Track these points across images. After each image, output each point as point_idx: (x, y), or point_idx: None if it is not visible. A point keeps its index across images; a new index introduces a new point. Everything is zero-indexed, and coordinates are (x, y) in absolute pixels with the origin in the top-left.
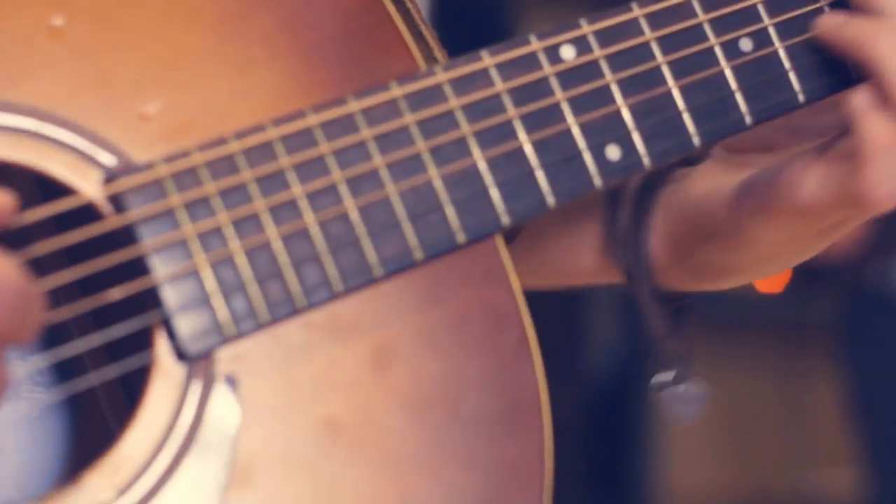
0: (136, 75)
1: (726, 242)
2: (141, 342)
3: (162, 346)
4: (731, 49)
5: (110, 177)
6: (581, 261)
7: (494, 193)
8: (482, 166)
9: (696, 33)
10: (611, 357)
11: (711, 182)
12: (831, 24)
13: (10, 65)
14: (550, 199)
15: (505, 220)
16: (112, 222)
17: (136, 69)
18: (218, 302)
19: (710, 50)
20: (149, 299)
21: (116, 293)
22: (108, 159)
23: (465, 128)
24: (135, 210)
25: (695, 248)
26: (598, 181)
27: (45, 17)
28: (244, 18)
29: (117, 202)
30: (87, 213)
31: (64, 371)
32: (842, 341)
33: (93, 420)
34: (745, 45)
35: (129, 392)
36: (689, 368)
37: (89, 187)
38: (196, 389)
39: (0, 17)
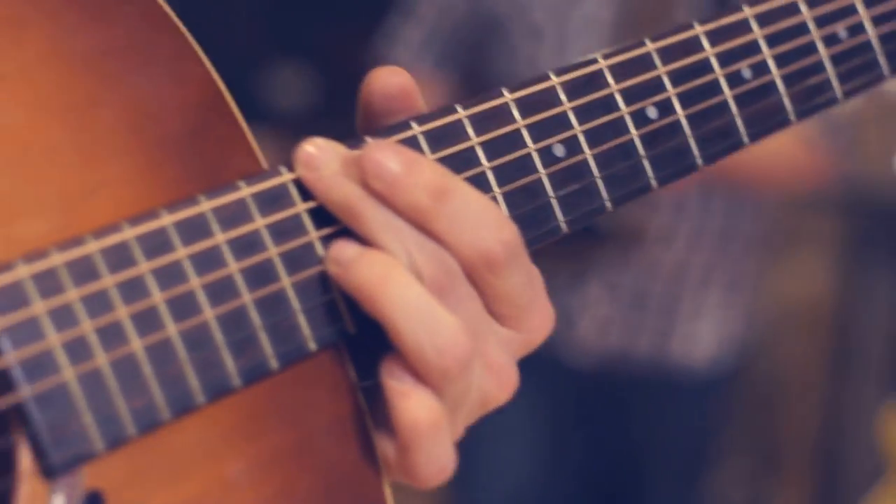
0: None
1: None
2: None
3: (26, 462)
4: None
5: None
6: None
7: (340, 303)
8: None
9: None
10: None
11: None
12: (339, 261)
13: None
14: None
15: (350, 328)
16: None
17: None
18: (86, 416)
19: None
20: (14, 416)
21: None
22: None
23: (312, 232)
24: None
25: None
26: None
27: None
28: (89, 108)
29: None
30: None
31: None
32: None
33: None
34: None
35: None
36: None
37: None
38: None
39: None
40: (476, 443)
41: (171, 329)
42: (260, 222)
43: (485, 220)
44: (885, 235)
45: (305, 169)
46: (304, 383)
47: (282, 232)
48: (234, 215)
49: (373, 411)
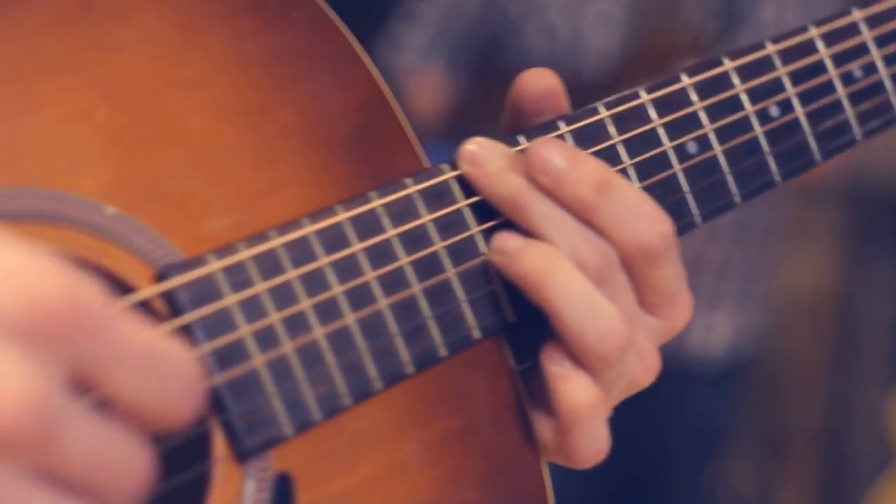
0: (175, 169)
1: None
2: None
3: (220, 447)
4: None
5: (163, 273)
6: None
7: (500, 292)
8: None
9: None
10: None
11: None
12: (503, 251)
13: (55, 156)
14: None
15: (510, 317)
16: (171, 324)
17: (174, 163)
18: (276, 402)
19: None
20: (208, 403)
21: None
22: (157, 254)
23: (474, 227)
24: (190, 311)
25: None
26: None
27: (88, 110)
28: (265, 112)
29: (171, 301)
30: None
31: None
32: None
33: None
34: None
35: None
36: None
37: (142, 283)
38: (252, 488)
39: (44, 106)
40: None
41: (350, 318)
42: (426, 217)
43: (644, 213)
44: (889, 225)
45: (470, 165)
46: (467, 370)
47: (446, 226)
48: (402, 210)
49: (529, 395)
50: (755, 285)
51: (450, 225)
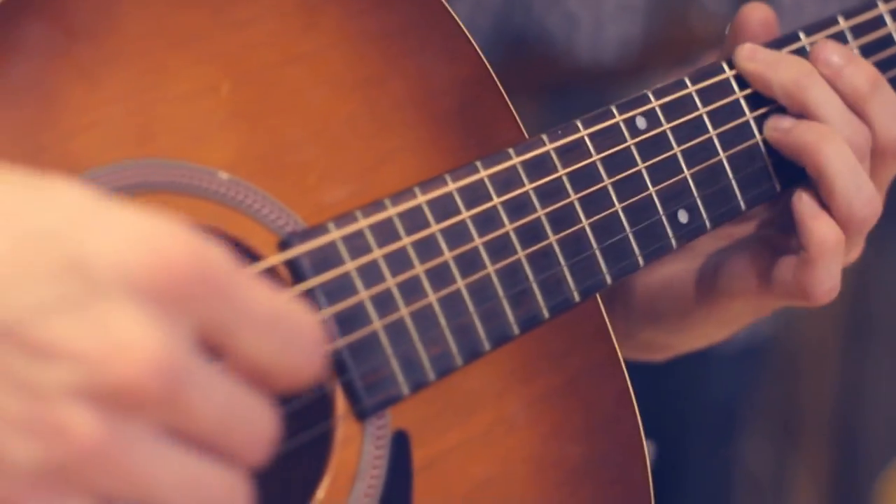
0: (295, 141)
1: (672, 325)
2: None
3: (341, 406)
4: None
5: (286, 241)
6: None
7: (599, 256)
8: (588, 231)
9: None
10: None
11: (663, 270)
12: (780, 128)
13: (184, 128)
14: (641, 261)
15: (608, 280)
16: (294, 290)
17: (294, 135)
18: (393, 363)
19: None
20: (330, 364)
21: None
22: (280, 222)
23: (573, 195)
24: (312, 277)
25: (641, 329)
26: (674, 243)
27: (213, 84)
28: (378, 86)
29: (294, 267)
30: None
31: None
32: None
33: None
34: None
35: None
36: None
37: (267, 251)
38: (372, 445)
39: (172, 82)
40: None
41: (460, 283)
42: (528, 186)
43: None
44: None
45: (750, 61)
46: (566, 332)
47: (545, 193)
48: (506, 180)
49: (774, 249)
50: None
51: (550, 192)
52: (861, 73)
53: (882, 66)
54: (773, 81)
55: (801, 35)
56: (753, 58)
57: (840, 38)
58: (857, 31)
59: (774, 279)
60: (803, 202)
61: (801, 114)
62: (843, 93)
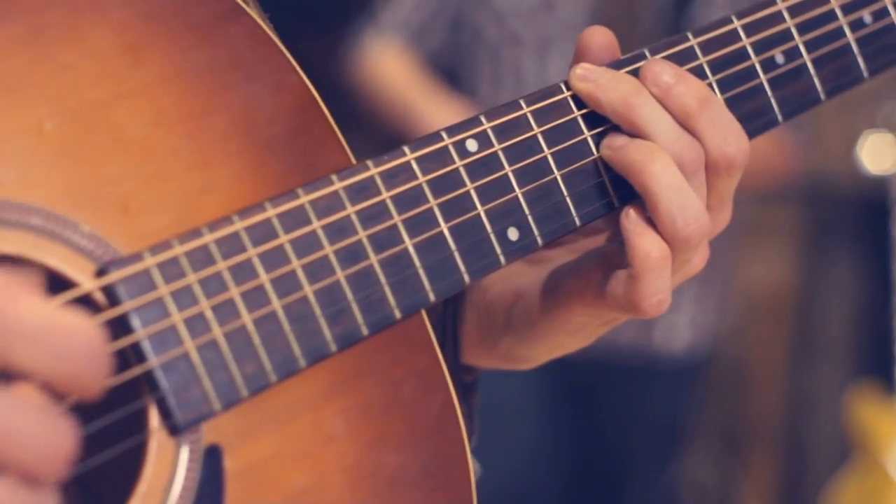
0: (117, 175)
1: (524, 335)
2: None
3: (154, 422)
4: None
5: (102, 269)
6: None
7: (423, 275)
8: (411, 251)
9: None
10: None
11: (514, 281)
12: (612, 146)
13: (5, 168)
14: (466, 278)
15: (432, 297)
16: (109, 313)
17: (116, 169)
18: (206, 381)
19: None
20: (144, 382)
21: (114, 379)
22: (98, 252)
23: (396, 217)
24: (127, 301)
25: (500, 340)
26: (502, 259)
27: (36, 125)
28: (202, 119)
29: (110, 293)
30: (84, 302)
31: None
32: None
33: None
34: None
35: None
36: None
37: (83, 279)
38: (185, 458)
39: None
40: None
41: (276, 303)
42: (350, 209)
43: (733, 130)
44: (847, 223)
45: (582, 81)
46: (390, 344)
47: (369, 217)
48: (328, 205)
49: (609, 263)
50: (712, 288)
51: (373, 216)
52: (690, 90)
53: (730, 80)
54: (603, 101)
55: (647, 53)
56: (585, 78)
57: (689, 53)
58: (706, 46)
59: (607, 293)
60: (629, 218)
61: (633, 132)
62: (673, 110)
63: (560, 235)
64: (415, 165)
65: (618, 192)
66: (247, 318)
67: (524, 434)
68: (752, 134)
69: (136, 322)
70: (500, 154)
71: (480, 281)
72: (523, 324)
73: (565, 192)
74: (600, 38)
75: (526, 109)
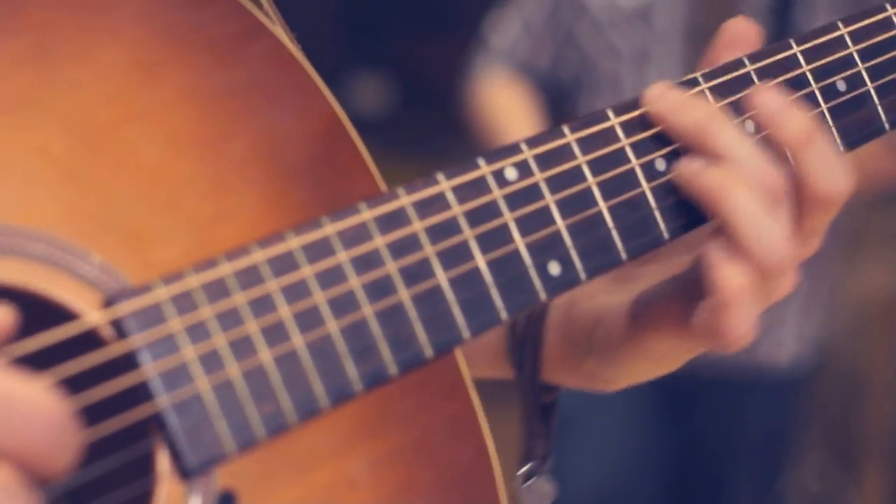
0: (127, 200)
1: (607, 359)
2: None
3: (163, 465)
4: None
5: (110, 300)
6: (479, 355)
7: (456, 311)
8: (445, 286)
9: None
10: None
11: (597, 301)
12: (689, 171)
13: (8, 189)
14: (503, 315)
15: (466, 335)
16: (114, 349)
17: (126, 194)
18: (220, 422)
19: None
20: (153, 423)
21: (119, 421)
22: (106, 282)
23: (429, 249)
24: (136, 335)
25: (583, 361)
26: (543, 295)
27: (44, 145)
28: (219, 144)
29: (118, 326)
30: (88, 335)
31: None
32: None
33: None
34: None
35: None
36: (545, 466)
37: (89, 310)
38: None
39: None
40: (568, 439)
41: (298, 340)
42: (379, 240)
43: (838, 166)
44: None
45: (658, 101)
46: (420, 387)
47: (399, 248)
48: (355, 236)
49: (689, 292)
50: (818, 300)
51: (404, 247)
52: (797, 121)
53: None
54: (675, 125)
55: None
56: (661, 98)
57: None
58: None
59: (690, 323)
60: (710, 248)
61: (710, 158)
62: (778, 139)
63: (607, 270)
64: (450, 194)
65: (669, 224)
66: (265, 356)
67: (621, 447)
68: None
69: (145, 358)
70: (542, 184)
71: (562, 299)
72: (605, 347)
73: (611, 225)
74: (743, 28)
75: (570, 137)
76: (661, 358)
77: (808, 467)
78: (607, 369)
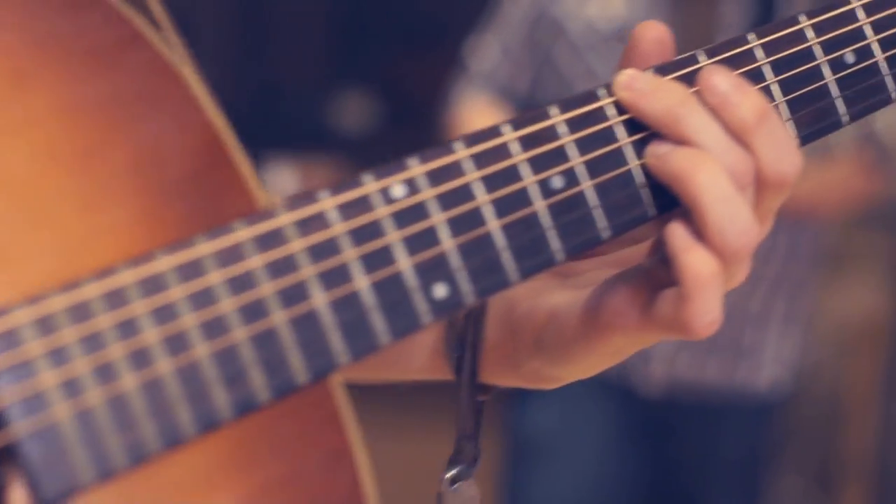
0: None
1: (556, 357)
2: None
3: (16, 497)
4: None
5: None
6: (415, 357)
7: (335, 335)
8: (323, 309)
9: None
10: None
11: (543, 300)
12: (657, 154)
13: None
14: (385, 339)
15: (343, 360)
16: None
17: None
18: (78, 452)
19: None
20: (8, 452)
21: None
22: None
23: (307, 269)
24: None
25: (527, 360)
26: (427, 318)
27: None
28: (95, 155)
29: None
30: None
31: None
32: None
33: None
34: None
35: None
36: (472, 469)
37: None
38: None
39: None
40: (542, 463)
41: (164, 366)
42: (255, 261)
43: (789, 148)
44: None
45: (626, 90)
46: (297, 417)
47: (276, 269)
48: (229, 255)
49: (654, 282)
50: (797, 325)
51: (282, 267)
52: (748, 102)
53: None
54: (647, 110)
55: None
56: (630, 86)
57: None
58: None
59: (654, 314)
60: (675, 234)
61: (680, 142)
62: (728, 122)
63: (497, 291)
64: (332, 213)
65: (564, 243)
66: (129, 382)
67: (598, 471)
68: (817, 136)
69: (5, 382)
70: (431, 202)
71: (502, 297)
72: (556, 345)
73: (502, 245)
74: (653, 33)
75: (463, 153)
76: (614, 353)
77: (787, 490)
78: (553, 368)
